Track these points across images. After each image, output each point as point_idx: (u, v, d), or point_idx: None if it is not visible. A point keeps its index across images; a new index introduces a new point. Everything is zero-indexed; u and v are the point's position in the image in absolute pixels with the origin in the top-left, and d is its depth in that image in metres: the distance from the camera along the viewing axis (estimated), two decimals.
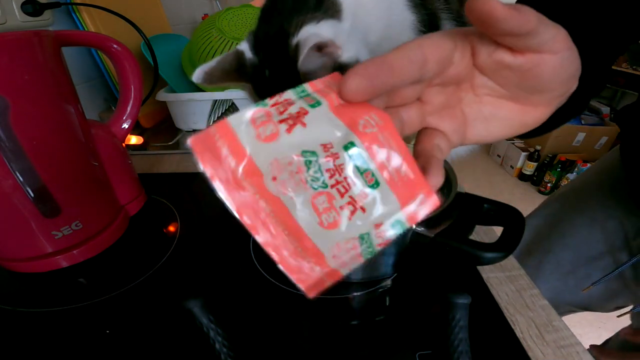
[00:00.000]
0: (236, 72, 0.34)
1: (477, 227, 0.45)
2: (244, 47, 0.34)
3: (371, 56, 0.16)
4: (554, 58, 0.17)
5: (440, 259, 0.38)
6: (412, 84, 0.18)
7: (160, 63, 0.65)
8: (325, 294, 0.17)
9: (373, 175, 0.16)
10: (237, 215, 0.15)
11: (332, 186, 0.16)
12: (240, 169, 0.15)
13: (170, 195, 0.51)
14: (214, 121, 0.78)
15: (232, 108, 0.86)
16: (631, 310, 0.55)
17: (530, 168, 2.27)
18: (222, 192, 0.15)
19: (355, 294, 0.35)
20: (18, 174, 0.32)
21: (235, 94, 0.71)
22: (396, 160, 0.16)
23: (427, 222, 0.31)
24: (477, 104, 0.21)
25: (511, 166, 2.40)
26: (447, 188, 0.35)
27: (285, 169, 0.16)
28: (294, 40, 0.28)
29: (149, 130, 0.77)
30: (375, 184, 0.16)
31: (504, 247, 0.30)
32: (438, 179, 0.18)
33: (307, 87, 0.17)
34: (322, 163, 0.16)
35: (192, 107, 0.72)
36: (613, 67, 0.33)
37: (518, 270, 0.39)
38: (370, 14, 0.31)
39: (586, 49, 0.20)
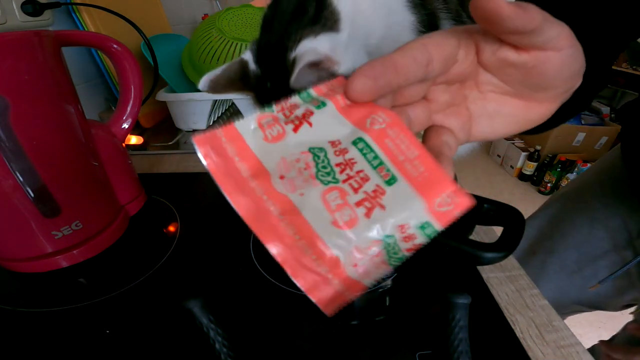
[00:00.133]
0: (241, 81, 0.34)
1: (477, 227, 0.45)
2: (248, 56, 0.33)
3: (370, 59, 0.16)
4: (558, 55, 0.17)
5: (440, 259, 0.38)
6: (418, 83, 0.18)
7: (160, 63, 0.65)
8: None
9: (388, 170, 0.15)
10: (244, 220, 0.14)
11: (343, 181, 0.15)
12: (247, 169, 0.15)
13: (170, 195, 0.51)
14: (214, 121, 0.78)
15: (232, 108, 0.87)
16: (638, 308, 0.55)
17: (530, 168, 2.27)
18: (226, 193, 0.14)
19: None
20: (18, 174, 0.32)
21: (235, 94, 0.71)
22: (411, 154, 0.15)
23: None
24: (481, 100, 0.21)
25: (511, 166, 2.40)
26: None
27: (293, 167, 0.15)
28: (292, 55, 0.28)
29: (149, 130, 0.77)
30: (392, 179, 0.15)
31: (504, 247, 0.30)
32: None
33: (312, 91, 0.17)
34: (331, 158, 0.15)
35: (192, 107, 0.72)
36: (613, 67, 0.33)
37: (518, 270, 0.39)
38: (369, 19, 0.31)
39: (589, 46, 0.20)
